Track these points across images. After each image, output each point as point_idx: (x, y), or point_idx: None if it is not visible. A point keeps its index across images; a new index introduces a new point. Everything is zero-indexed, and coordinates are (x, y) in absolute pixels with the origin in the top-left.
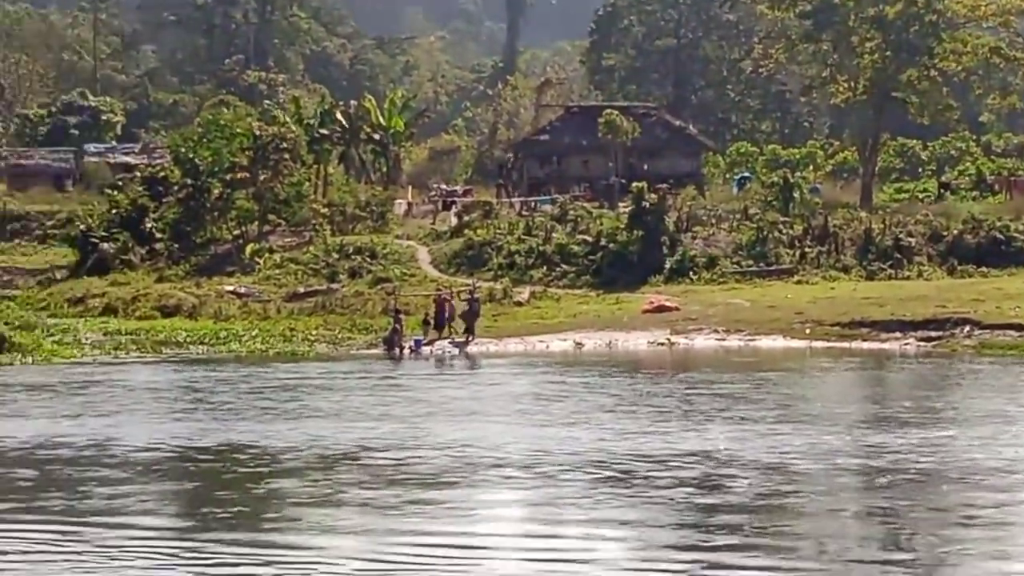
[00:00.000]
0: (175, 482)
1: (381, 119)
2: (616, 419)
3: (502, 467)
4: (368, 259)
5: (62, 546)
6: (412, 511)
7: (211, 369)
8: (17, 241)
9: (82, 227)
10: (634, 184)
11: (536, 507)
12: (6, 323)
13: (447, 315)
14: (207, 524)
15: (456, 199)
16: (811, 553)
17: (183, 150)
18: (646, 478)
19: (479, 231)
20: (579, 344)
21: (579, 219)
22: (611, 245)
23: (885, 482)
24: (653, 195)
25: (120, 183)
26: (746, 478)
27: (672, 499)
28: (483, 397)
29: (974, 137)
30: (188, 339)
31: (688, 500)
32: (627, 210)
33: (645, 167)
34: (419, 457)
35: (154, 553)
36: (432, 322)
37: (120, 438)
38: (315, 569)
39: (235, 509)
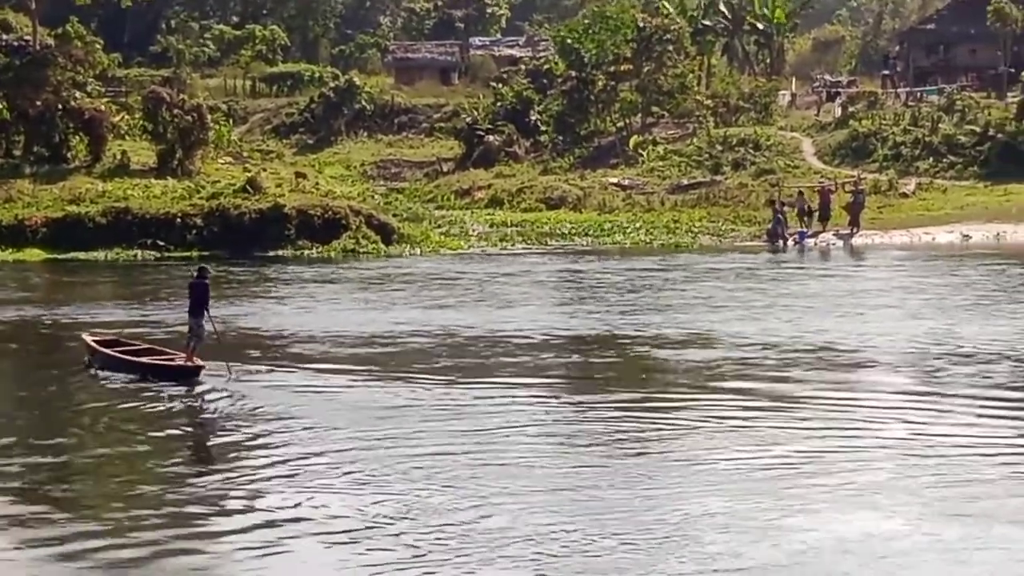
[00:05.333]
0: None
1: (764, 10)
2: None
3: None
4: (751, 150)
5: None
6: None
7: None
8: (404, 134)
9: (468, 120)
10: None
11: None
12: (395, 215)
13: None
14: None
15: (840, 90)
16: None
17: (568, 42)
18: None
19: (864, 122)
20: (966, 236)
21: (966, 109)
22: (999, 136)
23: None
24: None
25: (505, 76)
26: None
27: None
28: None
29: None
30: (572, 231)
31: None
32: (1016, 100)
33: None
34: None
35: None
36: (817, 213)
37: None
38: None
39: None
